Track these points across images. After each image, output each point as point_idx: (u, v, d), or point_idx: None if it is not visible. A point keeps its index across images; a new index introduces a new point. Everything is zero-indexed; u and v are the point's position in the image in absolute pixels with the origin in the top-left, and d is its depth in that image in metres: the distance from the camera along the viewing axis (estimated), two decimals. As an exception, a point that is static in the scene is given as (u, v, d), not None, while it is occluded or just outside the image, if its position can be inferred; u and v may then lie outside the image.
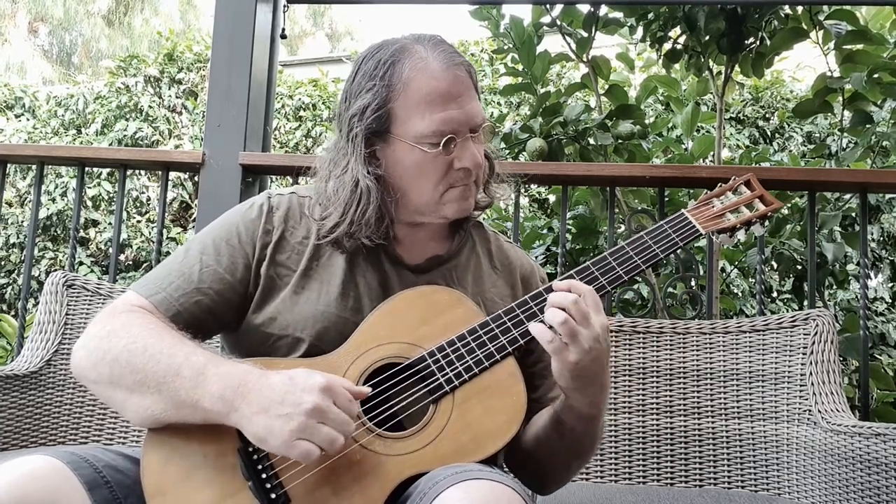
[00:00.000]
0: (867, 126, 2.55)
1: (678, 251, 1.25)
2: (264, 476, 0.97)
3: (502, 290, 1.24)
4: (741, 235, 1.21)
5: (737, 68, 2.81)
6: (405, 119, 1.10)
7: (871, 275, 5.63)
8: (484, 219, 1.36)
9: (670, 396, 1.67)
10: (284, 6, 2.45)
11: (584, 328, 1.00)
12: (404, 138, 1.10)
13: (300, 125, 7.02)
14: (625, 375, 1.69)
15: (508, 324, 1.09)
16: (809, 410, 1.53)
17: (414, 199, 1.14)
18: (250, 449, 0.99)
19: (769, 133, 6.38)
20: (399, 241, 1.19)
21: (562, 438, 1.12)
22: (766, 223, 1.25)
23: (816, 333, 1.59)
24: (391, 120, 1.11)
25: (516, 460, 1.20)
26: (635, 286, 2.52)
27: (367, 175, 1.11)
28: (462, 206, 1.15)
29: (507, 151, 2.72)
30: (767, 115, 6.42)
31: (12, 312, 6.17)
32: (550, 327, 1.01)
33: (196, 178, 5.81)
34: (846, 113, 2.59)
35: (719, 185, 1.26)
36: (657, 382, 1.68)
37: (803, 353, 1.59)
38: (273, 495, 0.96)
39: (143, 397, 1.00)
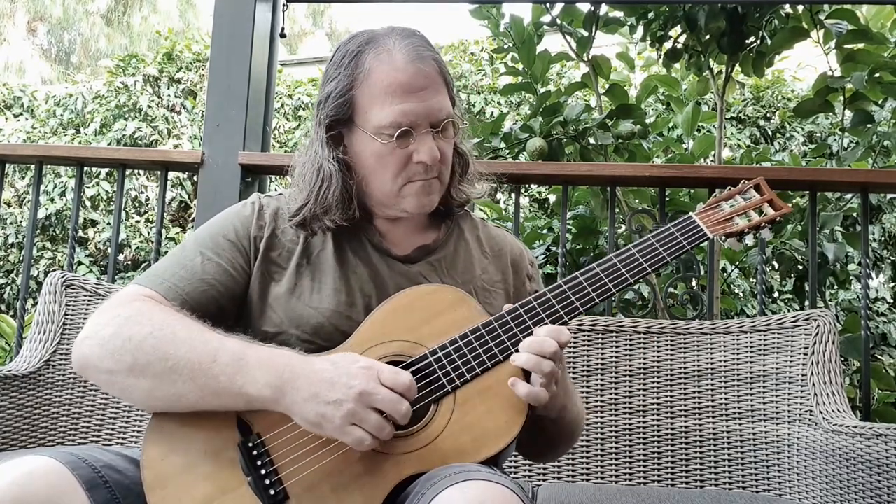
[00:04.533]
0: (868, 126, 2.54)
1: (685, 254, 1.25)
2: (263, 472, 0.97)
3: (493, 275, 1.25)
4: (749, 240, 1.20)
5: (737, 67, 2.81)
6: (366, 109, 1.11)
7: (873, 275, 5.63)
8: (485, 219, 1.36)
9: (671, 397, 1.67)
10: (284, 5, 2.44)
11: (559, 368, 1.05)
12: (364, 128, 1.12)
13: (299, 125, 7.02)
14: (625, 376, 1.69)
15: (511, 324, 1.08)
16: (810, 411, 1.52)
17: (374, 190, 1.16)
18: (250, 444, 0.99)
19: (770, 132, 6.38)
20: (384, 236, 1.21)
21: (538, 433, 1.18)
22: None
23: (817, 334, 1.59)
24: (353, 109, 1.12)
25: None
26: (636, 286, 2.52)
27: (330, 159, 1.13)
28: (422, 202, 1.15)
29: (507, 151, 2.71)
30: (768, 115, 6.42)
31: (11, 312, 6.17)
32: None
33: (195, 178, 5.80)
34: (847, 112, 2.59)
35: (728, 188, 1.25)
36: (658, 383, 1.68)
37: (804, 354, 1.59)
38: (272, 491, 0.96)
39: (174, 385, 0.98)
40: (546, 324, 1.08)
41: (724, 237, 1.18)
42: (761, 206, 1.22)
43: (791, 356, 1.61)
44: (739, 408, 1.63)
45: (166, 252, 1.20)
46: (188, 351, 0.98)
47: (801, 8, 2.63)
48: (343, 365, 0.96)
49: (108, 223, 6.76)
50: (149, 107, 7.04)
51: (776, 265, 2.80)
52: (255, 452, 0.98)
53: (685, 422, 1.65)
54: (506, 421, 1.03)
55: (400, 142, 1.09)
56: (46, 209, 6.58)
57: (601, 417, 1.67)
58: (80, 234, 6.75)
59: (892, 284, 5.76)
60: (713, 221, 1.19)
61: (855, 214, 3.36)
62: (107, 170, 6.65)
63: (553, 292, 1.11)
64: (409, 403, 0.96)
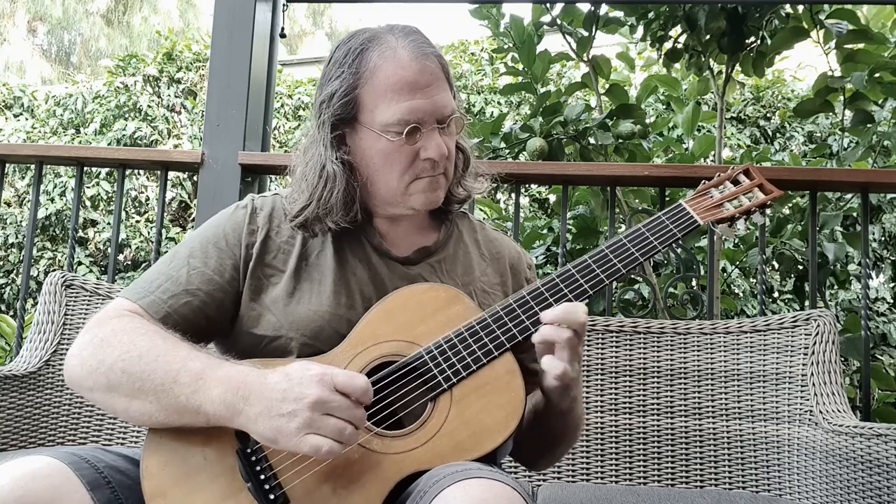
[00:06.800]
0: (868, 126, 2.55)
1: (677, 244, 1.24)
2: (262, 477, 0.97)
3: (492, 278, 1.24)
4: (741, 226, 1.19)
5: (737, 67, 2.81)
6: (372, 107, 1.10)
7: (873, 275, 5.63)
8: (485, 218, 1.36)
9: (671, 397, 1.66)
10: (284, 5, 2.44)
11: (580, 343, 1.05)
12: (370, 126, 1.11)
13: (299, 124, 7.02)
14: (625, 376, 1.69)
15: (505, 319, 1.08)
16: (810, 411, 1.52)
17: (381, 188, 1.15)
18: (249, 450, 0.99)
19: (770, 133, 6.38)
20: (384, 236, 1.20)
21: (542, 430, 1.16)
22: (767, 211, 1.23)
23: (818, 334, 1.59)
24: (358, 107, 1.11)
25: None
26: (636, 286, 2.52)
27: (333, 160, 1.12)
28: (429, 198, 1.15)
29: (507, 151, 2.71)
30: (768, 115, 6.42)
31: (11, 312, 6.17)
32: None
33: (195, 178, 5.80)
34: (847, 112, 2.59)
35: (718, 174, 1.24)
36: (658, 383, 1.68)
37: (804, 354, 1.59)
38: (272, 496, 0.96)
39: (144, 404, 1.00)
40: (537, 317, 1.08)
41: (714, 223, 1.17)
42: (752, 191, 1.21)
43: (791, 356, 1.61)
44: (739, 408, 1.63)
45: (167, 252, 1.20)
46: (152, 372, 0.99)
47: (801, 8, 2.63)
48: (296, 376, 0.94)
49: (108, 223, 6.76)
50: (149, 107, 7.05)
51: (776, 265, 2.80)
52: (253, 458, 0.98)
53: (685, 422, 1.65)
54: (503, 416, 1.02)
55: (408, 139, 1.09)
56: (46, 209, 6.58)
57: (601, 417, 1.67)
58: (80, 234, 6.75)
59: (892, 284, 5.76)
60: (703, 208, 1.18)
61: (855, 214, 3.36)
62: (107, 170, 6.65)
63: (545, 285, 1.10)
64: (366, 407, 0.95)
